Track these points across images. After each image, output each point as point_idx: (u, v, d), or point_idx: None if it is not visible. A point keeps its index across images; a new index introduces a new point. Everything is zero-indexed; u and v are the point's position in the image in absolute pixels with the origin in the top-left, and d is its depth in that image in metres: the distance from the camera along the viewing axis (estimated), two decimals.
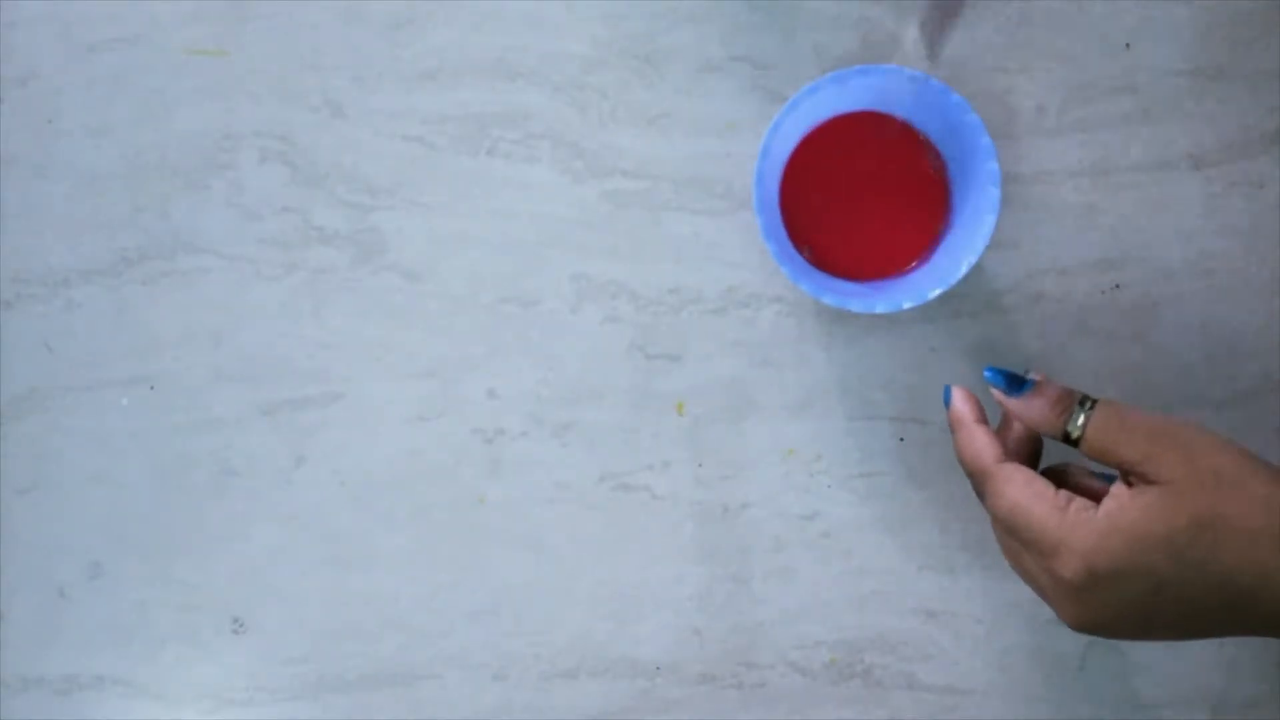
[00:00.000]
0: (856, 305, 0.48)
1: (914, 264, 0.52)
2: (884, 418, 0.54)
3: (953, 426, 0.46)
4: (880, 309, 0.48)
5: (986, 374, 0.45)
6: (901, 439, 0.54)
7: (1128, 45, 0.53)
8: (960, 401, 0.46)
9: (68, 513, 0.55)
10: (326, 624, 0.55)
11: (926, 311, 0.54)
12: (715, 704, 0.55)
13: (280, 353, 0.55)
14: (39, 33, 0.54)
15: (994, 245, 0.54)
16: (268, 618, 0.55)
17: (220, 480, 0.55)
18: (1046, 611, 0.54)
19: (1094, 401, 0.42)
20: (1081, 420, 0.42)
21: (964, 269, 0.48)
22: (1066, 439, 0.43)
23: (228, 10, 0.54)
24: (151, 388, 0.55)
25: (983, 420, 0.46)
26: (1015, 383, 0.44)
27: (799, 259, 0.51)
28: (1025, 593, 0.54)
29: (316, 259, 0.55)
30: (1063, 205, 0.54)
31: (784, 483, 0.55)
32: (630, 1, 0.54)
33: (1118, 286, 0.54)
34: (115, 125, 0.55)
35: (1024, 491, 0.42)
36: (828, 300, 0.48)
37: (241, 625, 0.55)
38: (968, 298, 0.54)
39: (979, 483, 0.45)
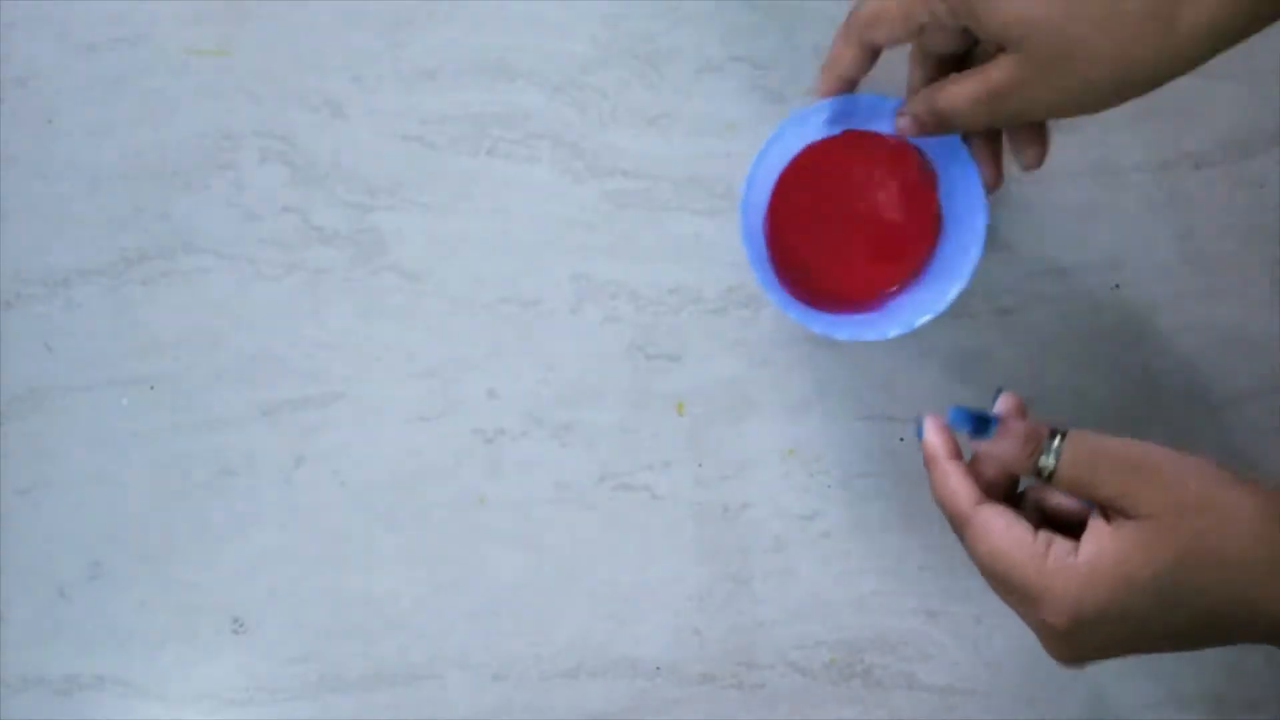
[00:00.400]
0: (844, 334, 0.48)
1: (904, 285, 0.51)
2: (884, 418, 0.54)
3: (926, 463, 0.44)
4: (869, 338, 0.48)
5: (950, 415, 0.42)
6: (901, 439, 0.54)
7: None
8: (933, 434, 0.44)
9: (68, 512, 0.55)
10: (326, 624, 0.55)
11: None
12: (715, 704, 0.55)
13: (280, 352, 0.55)
14: (39, 33, 0.54)
15: (994, 245, 0.54)
16: (268, 618, 0.55)
17: (220, 480, 0.55)
18: None
19: (1063, 434, 0.41)
20: (1053, 458, 0.40)
21: (952, 295, 0.48)
22: (1039, 476, 0.41)
23: (228, 10, 0.54)
24: (151, 388, 0.55)
25: (957, 455, 0.44)
26: (980, 424, 0.42)
27: (786, 288, 0.50)
28: None
29: (316, 259, 0.55)
30: (1063, 205, 0.54)
31: (784, 483, 0.55)
32: (630, 2, 0.54)
33: (1117, 286, 0.54)
34: (115, 125, 0.55)
35: (1003, 539, 0.40)
36: (816, 329, 0.48)
37: (241, 625, 0.55)
38: (968, 297, 0.54)
39: (956, 526, 0.43)
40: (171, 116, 0.55)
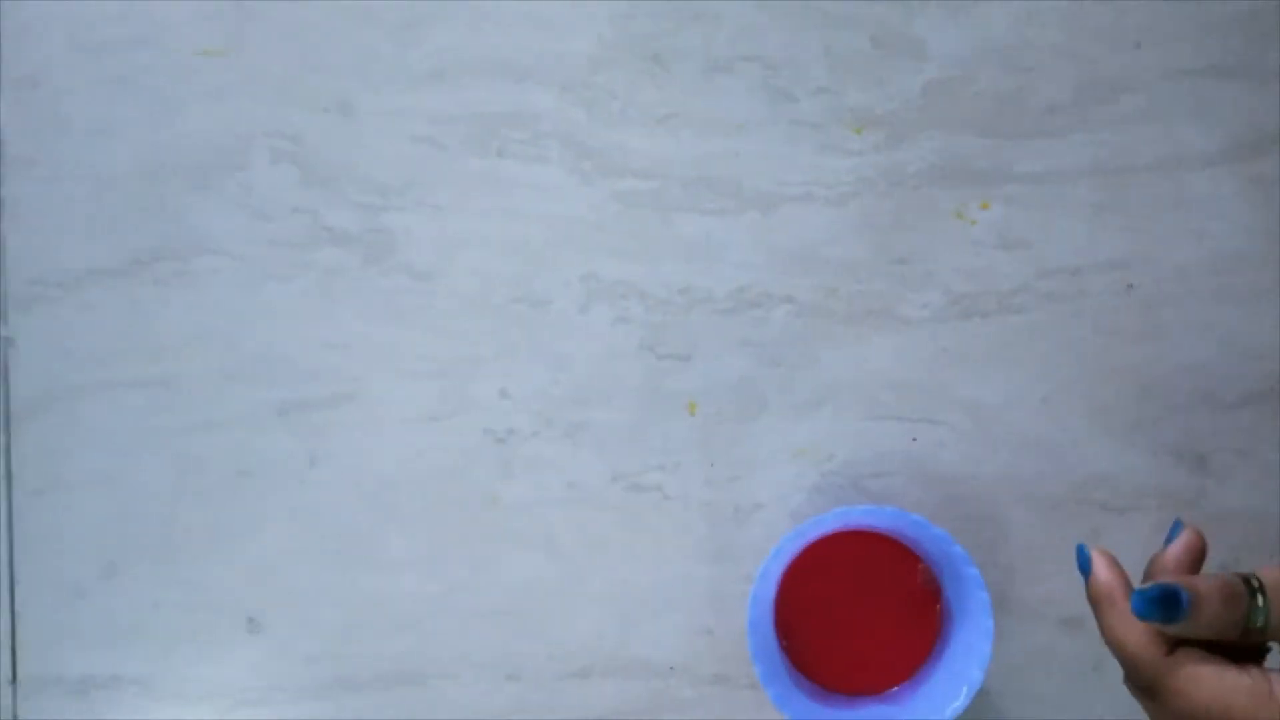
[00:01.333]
0: None
1: (913, 679, 0.52)
2: (895, 418, 0.55)
3: (1097, 602, 0.39)
4: None
5: (1135, 607, 0.37)
6: (914, 439, 0.54)
7: (1138, 44, 0.53)
8: (1105, 571, 0.39)
9: (82, 513, 0.55)
10: (340, 623, 0.55)
11: (937, 312, 0.54)
12: (728, 704, 0.55)
13: (292, 353, 0.55)
14: (49, 34, 0.54)
15: (1005, 244, 0.54)
16: (282, 617, 0.55)
17: (234, 480, 0.55)
18: (1055, 611, 0.54)
19: (1260, 583, 0.36)
20: (1262, 606, 0.35)
21: (965, 695, 0.48)
22: (1247, 636, 0.36)
23: (236, 11, 0.54)
24: (165, 388, 0.55)
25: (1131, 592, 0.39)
26: (1171, 608, 0.36)
27: (801, 698, 0.50)
28: (1034, 592, 0.54)
29: (327, 259, 0.55)
30: (1074, 204, 0.54)
31: (795, 483, 0.55)
32: (639, 1, 0.54)
33: (1130, 286, 0.54)
34: (126, 126, 0.55)
35: (1221, 687, 0.35)
36: None
37: (256, 625, 0.55)
38: (979, 297, 0.54)
39: (1145, 675, 0.38)
40: (181, 117, 0.55)
